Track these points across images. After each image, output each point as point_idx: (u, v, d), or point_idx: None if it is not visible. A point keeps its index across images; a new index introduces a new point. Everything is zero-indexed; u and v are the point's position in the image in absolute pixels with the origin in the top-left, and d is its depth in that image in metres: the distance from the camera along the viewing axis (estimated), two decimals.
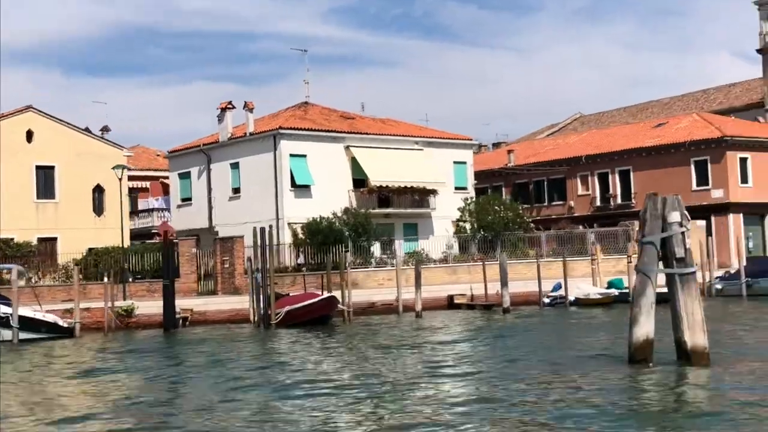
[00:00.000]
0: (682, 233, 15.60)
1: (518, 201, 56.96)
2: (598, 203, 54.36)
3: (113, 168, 37.29)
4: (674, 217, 15.53)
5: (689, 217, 15.94)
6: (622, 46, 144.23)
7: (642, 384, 14.70)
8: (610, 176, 53.88)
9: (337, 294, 31.88)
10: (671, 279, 16.02)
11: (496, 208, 42.94)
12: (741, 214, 49.31)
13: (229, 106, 47.87)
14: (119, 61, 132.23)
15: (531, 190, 57.50)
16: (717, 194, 49.60)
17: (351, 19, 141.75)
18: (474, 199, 44.44)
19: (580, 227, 49.08)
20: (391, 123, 51.17)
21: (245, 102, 47.11)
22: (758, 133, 52.01)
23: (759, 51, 79.19)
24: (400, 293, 34.50)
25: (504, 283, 33.43)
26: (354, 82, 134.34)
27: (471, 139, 51.68)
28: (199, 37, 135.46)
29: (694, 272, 15.91)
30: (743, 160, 49.76)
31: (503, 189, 58.77)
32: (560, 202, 56.03)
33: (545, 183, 56.66)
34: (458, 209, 45.08)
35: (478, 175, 59.41)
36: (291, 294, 33.45)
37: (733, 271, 39.22)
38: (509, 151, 58.92)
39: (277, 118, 48.66)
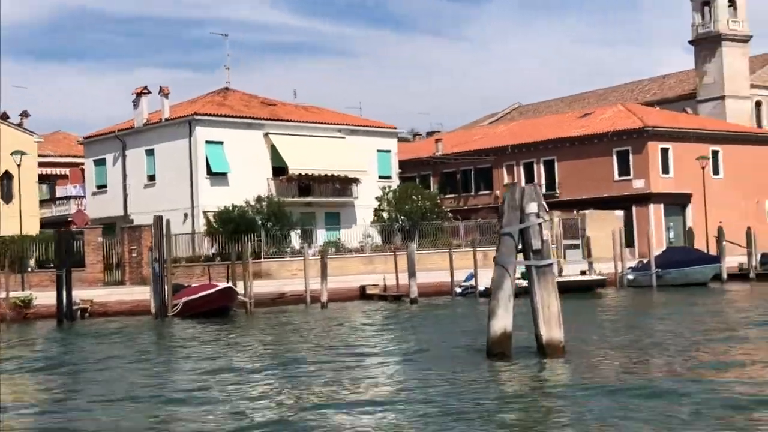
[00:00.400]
0: (539, 224, 15.18)
1: (446, 190, 56.72)
2: None
3: (11, 154, 36.01)
4: (532, 208, 15.11)
5: (547, 208, 15.54)
6: (570, 38, 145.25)
7: (485, 379, 14.30)
8: (535, 166, 53.81)
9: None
10: (528, 271, 15.64)
11: (414, 197, 42.45)
12: (662, 205, 49.55)
13: (145, 91, 46.71)
14: (52, 45, 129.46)
15: (458, 179, 57.21)
16: (638, 184, 49.77)
17: (302, 6, 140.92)
18: (391, 188, 43.94)
19: None
20: (314, 110, 50.43)
21: (160, 87, 46.02)
22: (681, 123, 52.34)
23: (691, 42, 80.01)
24: (308, 284, 33.84)
25: (412, 273, 32.99)
26: (300, 71, 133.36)
27: (395, 128, 51.19)
28: (141, 23, 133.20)
29: (550, 264, 15.53)
30: (665, 151, 49.97)
31: (431, 178, 58.42)
32: (487, 192, 55.84)
33: (472, 172, 56.41)
34: (376, 198, 44.56)
35: (407, 164, 59.01)
36: (193, 285, 32.63)
37: (645, 262, 39.27)
38: (437, 140, 58.55)
39: (194, 104, 47.64)
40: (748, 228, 39.76)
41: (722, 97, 77.11)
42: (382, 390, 13.99)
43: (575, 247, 44.83)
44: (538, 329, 15.26)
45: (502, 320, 15.23)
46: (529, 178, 54.12)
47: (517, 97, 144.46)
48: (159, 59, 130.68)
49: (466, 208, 55.71)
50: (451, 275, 35.44)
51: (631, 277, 36.96)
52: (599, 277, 34.42)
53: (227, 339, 23.67)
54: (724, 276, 36.52)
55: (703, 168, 43.80)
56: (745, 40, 77.58)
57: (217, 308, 29.78)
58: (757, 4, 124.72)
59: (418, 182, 58.98)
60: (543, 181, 53.61)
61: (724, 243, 37.58)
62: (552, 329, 15.08)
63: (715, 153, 52.17)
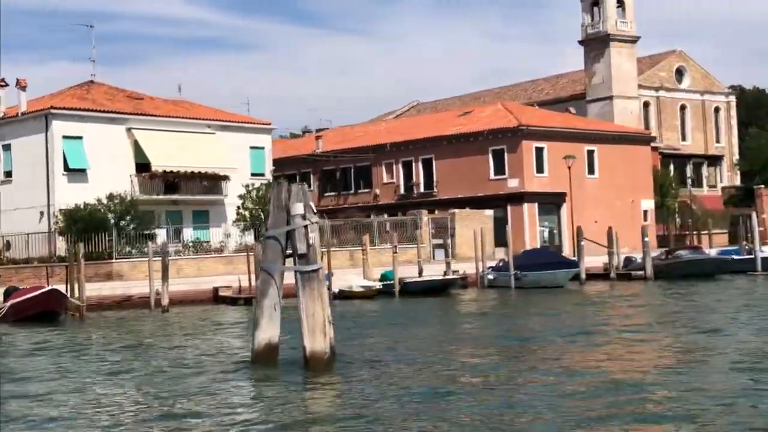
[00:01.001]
0: (305, 227, 14.26)
1: (326, 188, 55.84)
2: (402, 191, 53.67)
3: None
4: (298, 209, 14.18)
5: (314, 209, 14.63)
6: (482, 35, 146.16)
7: (232, 393, 13.32)
8: (413, 164, 53.25)
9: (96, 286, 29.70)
10: (295, 277, 14.73)
11: None
12: (536, 204, 49.52)
13: (1, 83, 44.45)
14: None
15: (338, 177, 56.30)
16: (513, 183, 49.67)
17: (212, 1, 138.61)
18: (254, 186, 42.71)
19: (385, 215, 48.14)
20: (184, 105, 48.85)
21: (17, 79, 43.84)
22: (557, 123, 52.42)
23: (581, 43, 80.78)
24: (153, 286, 32.43)
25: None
26: (204, 65, 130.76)
27: (270, 124, 49.94)
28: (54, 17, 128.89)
29: (317, 270, 14.62)
30: (539, 150, 49.96)
31: (312, 176, 57.38)
32: (366, 190, 55.08)
33: (352, 170, 55.56)
34: (239, 196, 43.31)
35: (288, 162, 57.87)
36: (27, 287, 30.93)
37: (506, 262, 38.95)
38: (317, 137, 57.53)
39: (54, 97, 45.56)
40: (609, 228, 39.84)
41: (610, 98, 78.15)
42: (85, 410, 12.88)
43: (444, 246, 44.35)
44: (302, 339, 14.35)
45: (267, 331, 14.30)
46: (408, 177, 53.60)
47: (424, 94, 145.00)
48: (55, 53, 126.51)
49: (346, 206, 54.87)
50: None
51: (491, 277, 36.61)
52: (452, 277, 33.86)
53: None
54: (583, 276, 36.40)
55: (569, 167, 43.79)
56: (633, 40, 78.69)
57: (45, 312, 28.18)
58: (645, 6, 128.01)
59: (298, 180, 57.92)
60: (421, 180, 53.13)
61: (582, 243, 37.48)
62: (316, 339, 14.17)
63: (590, 152, 52.45)
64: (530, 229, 48.45)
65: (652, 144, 65.15)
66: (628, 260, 39.26)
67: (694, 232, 55.03)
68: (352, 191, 55.62)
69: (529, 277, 35.14)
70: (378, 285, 33.35)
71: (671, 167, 65.51)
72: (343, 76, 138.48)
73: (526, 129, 49.37)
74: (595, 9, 78.77)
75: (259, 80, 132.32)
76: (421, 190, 52.98)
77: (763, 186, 59.09)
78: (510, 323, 23.74)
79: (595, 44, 78.34)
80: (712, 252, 41.55)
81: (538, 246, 47.95)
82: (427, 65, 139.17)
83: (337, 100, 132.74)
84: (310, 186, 57.41)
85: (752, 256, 39.58)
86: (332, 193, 56.21)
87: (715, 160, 71.04)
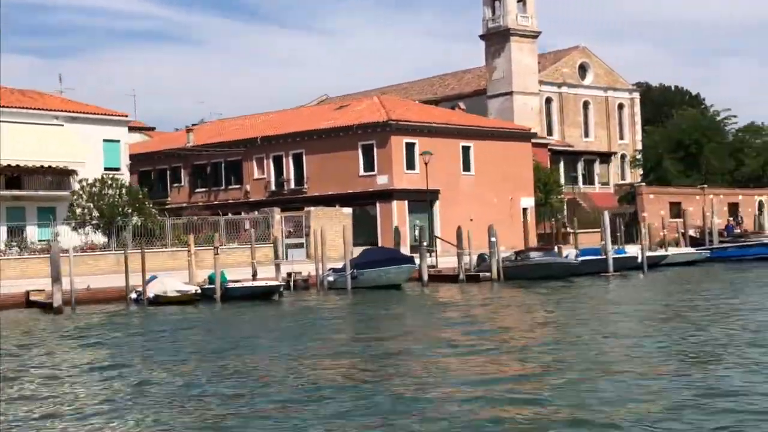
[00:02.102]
0: None
1: (197, 184, 53.52)
2: (273, 187, 51.52)
3: None
4: None
5: None
6: (419, 31, 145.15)
7: None
8: (284, 159, 51.11)
9: None
10: None
11: (110, 192, 38.84)
12: (406, 201, 47.77)
13: None
14: None
15: (209, 172, 53.90)
16: (382, 180, 47.87)
17: None
18: (89, 181, 40.13)
19: (256, 212, 45.80)
20: (32, 95, 46.08)
21: None
22: (432, 118, 50.69)
23: (482, 37, 79.43)
24: None
25: (55, 278, 29.45)
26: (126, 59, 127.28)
27: (127, 115, 47.44)
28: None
29: None
30: (410, 146, 48.20)
31: (182, 171, 54.90)
32: (237, 186, 52.78)
33: (223, 165, 53.20)
34: (71, 192, 40.76)
35: (158, 156, 55.47)
36: None
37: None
38: (188, 131, 55.06)
39: None
40: (458, 228, 38.16)
41: (510, 93, 77.02)
42: None
43: (300, 246, 42.39)
44: None
45: None
46: (278, 172, 51.46)
47: (348, 89, 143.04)
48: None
49: (216, 203, 52.54)
50: (126, 279, 32.10)
51: (331, 278, 34.62)
52: (275, 284, 31.68)
53: None
54: (425, 277, 34.61)
55: (426, 163, 42.04)
56: (534, 35, 77.57)
57: None
58: (553, 2, 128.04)
59: (169, 175, 55.51)
60: (292, 176, 51.04)
61: (424, 243, 35.71)
62: None
63: (466, 149, 50.89)
64: (400, 227, 46.63)
65: (543, 141, 64.09)
66: (482, 259, 37.59)
67: (570, 231, 53.85)
68: (223, 187, 53.27)
69: (364, 275, 33.30)
70: (193, 290, 31.11)
71: (561, 164, 64.33)
72: (275, 70, 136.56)
73: (396, 124, 47.56)
74: (496, 3, 77.48)
75: (191, 73, 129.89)
76: (292, 186, 50.89)
77: (644, 184, 58.17)
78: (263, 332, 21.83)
79: (496, 39, 77.08)
80: (572, 252, 40.15)
81: (409, 244, 46.29)
82: (362, 60, 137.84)
83: (258, 93, 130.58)
84: (180, 181, 55.01)
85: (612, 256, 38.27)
86: (203, 189, 53.84)
87: (607, 157, 70.17)
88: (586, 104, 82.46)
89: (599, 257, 38.24)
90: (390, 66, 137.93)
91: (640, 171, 70.71)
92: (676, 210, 56.23)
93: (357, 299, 30.78)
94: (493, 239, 36.14)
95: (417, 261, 37.78)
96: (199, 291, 31.19)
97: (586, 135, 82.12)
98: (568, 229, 57.22)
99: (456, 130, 50.44)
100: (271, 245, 42.12)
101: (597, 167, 67.72)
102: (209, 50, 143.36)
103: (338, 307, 28.56)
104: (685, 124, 67.02)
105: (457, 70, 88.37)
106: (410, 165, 48.00)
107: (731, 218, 54.11)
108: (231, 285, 31.26)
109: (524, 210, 53.42)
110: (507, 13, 76.35)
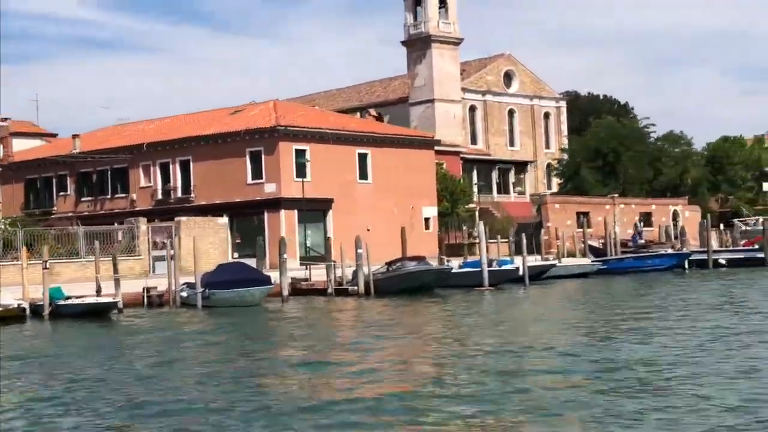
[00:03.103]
0: None
1: (83, 192, 51.07)
2: (159, 196, 49.11)
3: None
4: None
5: None
6: (378, 38, 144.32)
7: None
8: (171, 166, 48.73)
9: None
10: None
11: None
12: (295, 211, 45.64)
13: None
14: None
15: (95, 180, 51.34)
16: (270, 188, 45.70)
17: (111, 2, 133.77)
18: None
19: (116, 223, 43.30)
20: None
21: None
22: (327, 124, 48.62)
23: (404, 43, 77.70)
24: None
25: None
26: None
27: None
28: None
29: None
30: (300, 152, 46.11)
31: (68, 179, 52.29)
32: (123, 195, 50.25)
33: (109, 173, 50.67)
34: None
35: (45, 163, 53.03)
36: None
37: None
38: (74, 136, 52.47)
39: None
40: (327, 239, 36.20)
41: (432, 101, 75.42)
42: None
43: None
44: None
45: None
46: (165, 180, 49.09)
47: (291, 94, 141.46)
48: None
49: (102, 212, 50.04)
50: None
51: (184, 294, 32.34)
52: (106, 300, 29.32)
53: None
54: (285, 293, 32.45)
55: (304, 170, 39.94)
56: (456, 42, 76.07)
57: None
58: (469, 8, 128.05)
59: (55, 183, 52.94)
60: (179, 184, 48.69)
61: (285, 255, 33.50)
62: None
63: (363, 156, 48.93)
64: (290, 238, 44.34)
65: (455, 149, 62.44)
66: (356, 272, 35.52)
67: (476, 241, 52.11)
68: (109, 196, 50.69)
69: (217, 295, 31.07)
70: (15, 304, 28.69)
71: (474, 173, 62.67)
72: (222, 76, 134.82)
73: (284, 129, 45.42)
74: (418, 9, 75.91)
75: (109, 77, 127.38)
76: (179, 194, 48.51)
77: (549, 193, 56.67)
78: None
79: (417, 45, 75.48)
80: (455, 264, 38.30)
81: (298, 257, 44.25)
82: (306, 66, 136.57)
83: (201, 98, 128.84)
84: (67, 190, 52.46)
85: (494, 268, 36.44)
86: (89, 198, 51.29)
87: (523, 166, 68.70)
88: (511, 112, 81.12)
89: (478, 269, 36.38)
90: (334, 72, 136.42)
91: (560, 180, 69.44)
92: (586, 220, 54.80)
93: (202, 318, 28.58)
94: (360, 251, 34.10)
95: (305, 273, 35.95)
96: (24, 306, 28.78)
97: (512, 144, 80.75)
98: (474, 240, 55.65)
99: (352, 137, 48.45)
100: (141, 258, 39.90)
101: (512, 176, 66.11)
102: (136, 54, 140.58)
103: (165, 327, 26.28)
104: (603, 133, 65.81)
105: (384, 78, 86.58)
106: (300, 173, 45.88)
107: (637, 227, 52.60)
108: (63, 302, 28.92)
109: (427, 219, 51.52)
110: (428, 19, 74.79)
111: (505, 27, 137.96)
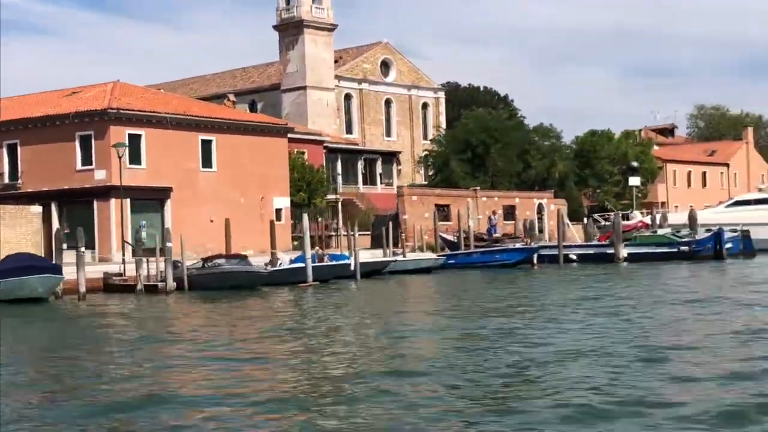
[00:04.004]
0: None
1: None
2: None
3: None
4: None
5: None
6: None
7: None
8: None
9: None
10: None
11: None
12: (129, 200, 42.76)
13: None
14: None
15: None
16: (100, 175, 42.76)
17: None
18: None
19: None
20: None
21: None
22: (167, 108, 45.81)
23: (276, 28, 75.20)
24: None
25: None
26: None
27: None
28: None
29: None
30: (135, 138, 43.24)
31: None
32: None
33: None
34: None
35: None
36: None
37: None
38: None
39: None
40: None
41: (304, 88, 73.20)
42: None
43: None
44: None
45: None
46: None
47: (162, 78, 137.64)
48: None
49: None
50: None
51: None
52: None
53: None
54: (82, 288, 29.78)
55: (120, 157, 37.21)
56: (330, 28, 73.99)
57: None
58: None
59: None
60: (6, 169, 45.25)
61: (82, 249, 30.75)
62: None
63: (206, 143, 46.36)
64: (116, 229, 41.60)
65: (318, 138, 60.35)
66: (175, 266, 33.04)
67: (334, 233, 50.39)
68: None
69: (1, 286, 28.30)
70: None
71: (338, 163, 60.71)
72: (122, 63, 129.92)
73: (116, 113, 42.50)
74: None
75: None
76: (6, 180, 45.08)
77: (405, 185, 55.21)
78: None
79: (290, 31, 73.12)
80: (285, 259, 36.24)
81: (131, 248, 41.38)
82: (204, 51, 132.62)
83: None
84: None
85: (317, 264, 34.47)
86: None
87: (391, 157, 67.14)
88: (388, 102, 79.52)
89: (317, 264, 34.40)
90: (224, 57, 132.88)
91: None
92: (446, 213, 53.58)
93: None
94: (169, 245, 31.71)
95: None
96: None
97: (388, 134, 79.21)
98: (333, 232, 53.83)
99: (194, 122, 45.82)
100: None
101: (379, 167, 64.41)
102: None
103: None
104: (472, 124, 64.70)
105: (260, 63, 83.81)
106: (135, 159, 43.06)
107: (491, 220, 51.43)
108: None
109: (278, 210, 49.28)
110: (301, 4, 72.46)
111: (394, 17, 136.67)
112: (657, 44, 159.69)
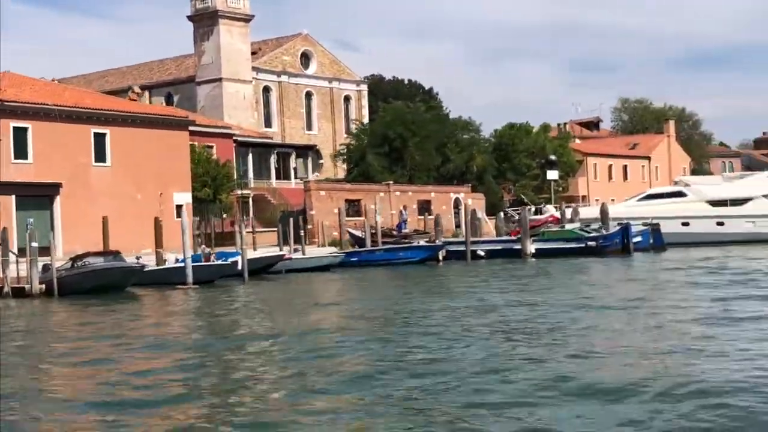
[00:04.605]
0: None
1: None
2: None
3: None
4: None
5: None
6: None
7: None
8: None
9: None
10: None
11: None
12: (13, 196, 40.58)
13: None
14: None
15: None
16: None
17: None
18: None
19: None
20: None
21: None
22: (57, 99, 43.54)
23: (190, 18, 72.99)
24: None
25: None
26: None
27: None
28: None
29: None
30: (21, 131, 41.03)
31: None
32: None
33: None
34: None
35: None
36: None
37: None
38: None
39: None
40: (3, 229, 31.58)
41: (220, 80, 71.19)
42: None
43: None
44: None
45: None
46: None
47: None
48: None
49: None
50: None
51: None
52: None
53: None
54: None
55: None
56: (246, 19, 72.08)
57: None
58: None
59: None
60: None
61: None
62: None
63: (100, 136, 44.25)
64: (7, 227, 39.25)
65: (228, 131, 58.40)
66: (46, 268, 31.11)
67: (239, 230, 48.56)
68: None
69: None
70: None
71: (249, 157, 58.87)
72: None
73: (0, 104, 40.23)
74: None
75: None
76: None
77: (312, 180, 53.70)
78: None
79: (205, 21, 71.02)
80: (171, 258, 34.50)
81: (17, 247, 39.13)
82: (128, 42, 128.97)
83: None
84: None
85: (203, 264, 32.80)
86: None
87: (305, 151, 65.54)
88: (309, 95, 77.86)
89: (199, 264, 32.70)
90: (142, 48, 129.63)
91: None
92: (357, 208, 52.23)
93: None
94: (34, 245, 29.77)
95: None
96: None
97: (309, 127, 77.57)
98: (237, 228, 52.01)
99: (86, 115, 43.66)
100: None
101: (293, 161, 62.74)
102: None
103: None
104: (389, 117, 63.40)
105: (179, 55, 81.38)
106: (21, 153, 40.87)
107: (402, 215, 50.09)
108: None
109: (179, 207, 47.33)
110: None
111: (329, 9, 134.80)
112: (593, 39, 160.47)
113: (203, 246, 36.92)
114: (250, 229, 47.98)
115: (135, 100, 56.77)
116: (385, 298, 25.89)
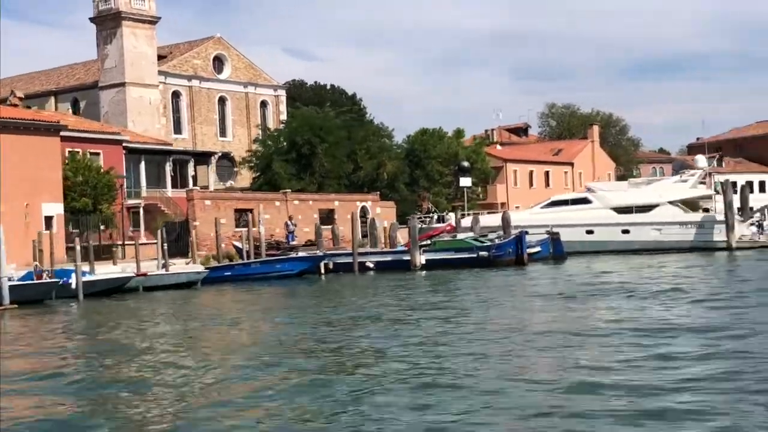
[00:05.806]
0: None
1: None
2: None
3: None
4: None
5: None
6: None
7: None
8: None
9: None
10: None
11: None
12: None
13: None
14: None
15: None
16: None
17: None
18: None
19: None
20: None
21: None
22: None
23: (93, 20, 69.63)
24: None
25: None
26: None
27: None
28: None
29: None
30: None
31: None
32: None
33: None
34: None
35: None
36: None
37: None
38: None
39: None
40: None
41: (124, 84, 67.88)
42: None
43: None
44: None
45: None
46: None
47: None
48: None
49: None
50: None
51: None
52: None
53: None
54: None
55: None
56: (152, 21, 68.79)
57: None
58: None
59: None
60: None
61: None
62: None
63: None
64: None
65: (116, 137, 55.15)
66: None
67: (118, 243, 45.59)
68: None
69: None
70: None
71: (142, 165, 55.64)
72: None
73: None
74: None
75: None
76: None
77: (197, 188, 50.70)
78: None
79: (107, 23, 67.67)
80: (17, 275, 31.31)
81: None
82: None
83: None
84: None
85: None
86: None
87: (206, 158, 62.50)
88: (222, 100, 74.76)
89: (21, 282, 29.56)
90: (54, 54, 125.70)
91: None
92: (248, 219, 49.24)
93: None
94: None
95: None
96: None
97: (223, 134, 74.48)
98: (118, 242, 48.86)
99: None
100: None
101: (191, 168, 59.63)
102: None
103: None
104: (296, 123, 60.64)
105: (89, 60, 77.88)
106: None
107: (288, 226, 47.13)
108: None
109: (49, 218, 44.06)
110: None
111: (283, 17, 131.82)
112: (541, 47, 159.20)
113: (35, 263, 33.68)
114: (140, 241, 44.96)
115: (16, 106, 53.30)
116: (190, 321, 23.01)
